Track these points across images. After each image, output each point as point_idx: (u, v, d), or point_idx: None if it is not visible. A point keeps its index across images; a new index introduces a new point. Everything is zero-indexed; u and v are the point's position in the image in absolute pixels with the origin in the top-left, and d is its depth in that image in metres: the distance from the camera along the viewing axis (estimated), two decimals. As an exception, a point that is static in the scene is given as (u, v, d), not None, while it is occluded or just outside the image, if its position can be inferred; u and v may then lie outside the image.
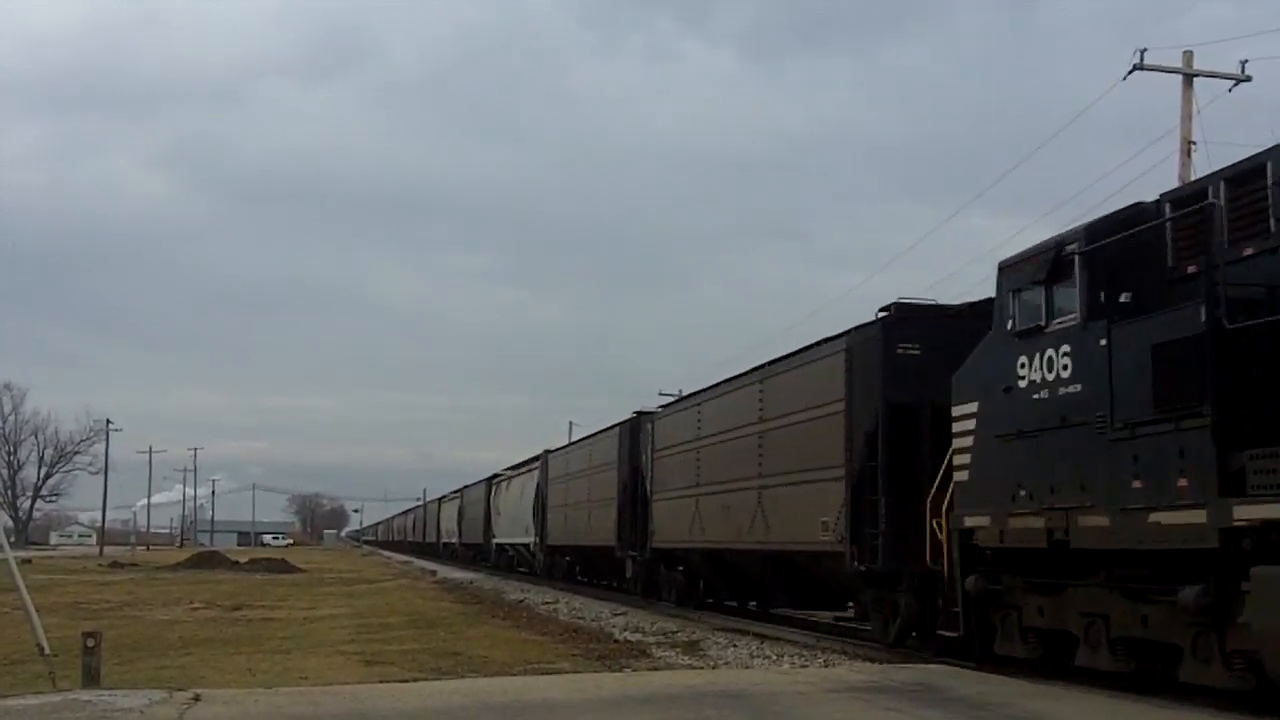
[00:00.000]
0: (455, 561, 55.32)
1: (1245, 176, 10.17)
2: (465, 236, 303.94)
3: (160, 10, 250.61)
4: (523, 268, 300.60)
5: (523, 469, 42.67)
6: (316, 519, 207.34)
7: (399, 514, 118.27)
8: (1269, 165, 9.87)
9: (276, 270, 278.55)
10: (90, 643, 10.57)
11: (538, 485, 37.76)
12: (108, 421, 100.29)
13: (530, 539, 38.97)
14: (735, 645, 16.65)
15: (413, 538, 71.93)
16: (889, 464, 14.51)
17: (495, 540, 47.81)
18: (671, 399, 28.58)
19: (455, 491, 55.15)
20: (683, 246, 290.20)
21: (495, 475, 49.04)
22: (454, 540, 41.33)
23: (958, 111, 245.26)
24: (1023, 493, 11.80)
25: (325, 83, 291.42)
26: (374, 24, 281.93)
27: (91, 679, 10.44)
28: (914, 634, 15.00)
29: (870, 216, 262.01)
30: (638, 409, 28.09)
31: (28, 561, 46.22)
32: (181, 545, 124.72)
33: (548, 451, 38.02)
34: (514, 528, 42.63)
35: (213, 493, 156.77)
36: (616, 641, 17.49)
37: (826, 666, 13.68)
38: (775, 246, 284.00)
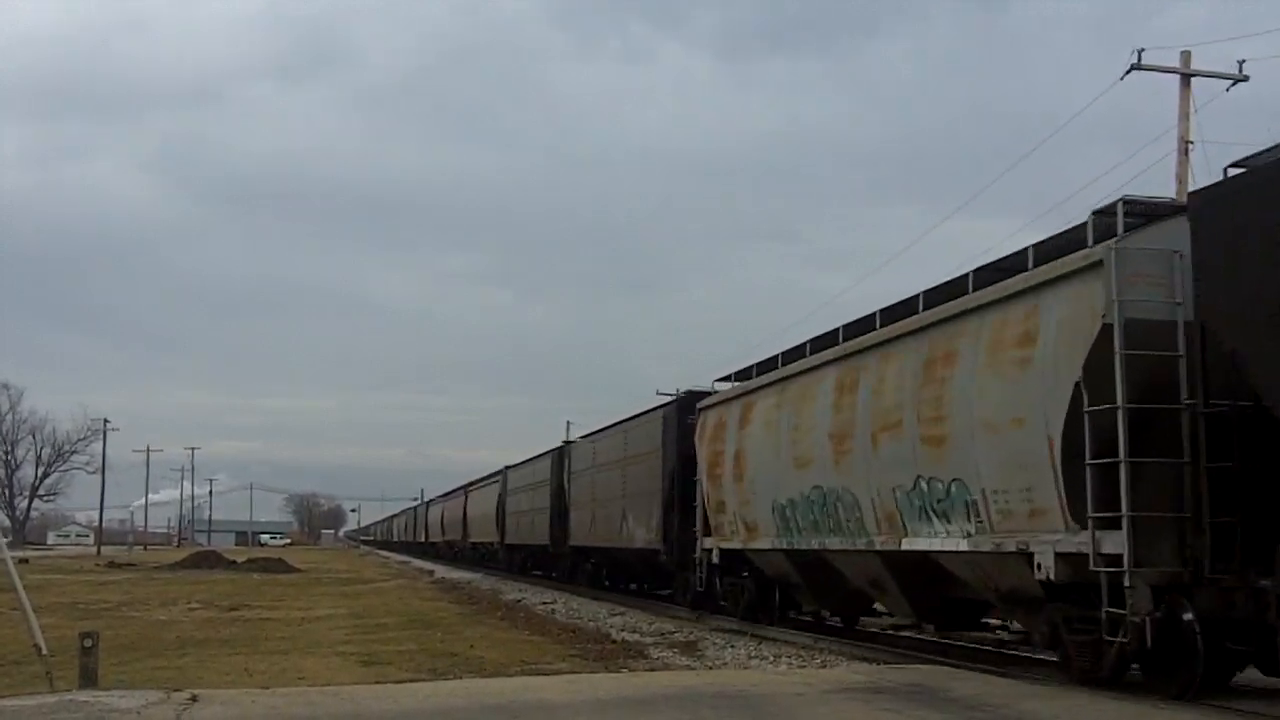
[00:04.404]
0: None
1: None
2: (458, 238, 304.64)
3: (141, 13, 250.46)
4: (517, 269, 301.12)
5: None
6: (314, 519, 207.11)
7: (399, 512, 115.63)
8: None
9: (270, 270, 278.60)
10: (87, 643, 10.55)
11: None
12: (105, 421, 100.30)
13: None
14: (733, 646, 16.65)
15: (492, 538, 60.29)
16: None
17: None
18: (669, 397, 29.66)
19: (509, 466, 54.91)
20: (676, 248, 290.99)
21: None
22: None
23: (946, 112, 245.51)
24: None
25: (307, 85, 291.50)
26: (353, 26, 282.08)
27: (89, 679, 10.42)
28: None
29: (861, 218, 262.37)
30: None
31: (25, 561, 46.19)
32: (179, 545, 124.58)
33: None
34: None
35: (210, 492, 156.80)
36: (614, 642, 17.50)
37: (824, 667, 13.68)
38: (767, 248, 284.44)
